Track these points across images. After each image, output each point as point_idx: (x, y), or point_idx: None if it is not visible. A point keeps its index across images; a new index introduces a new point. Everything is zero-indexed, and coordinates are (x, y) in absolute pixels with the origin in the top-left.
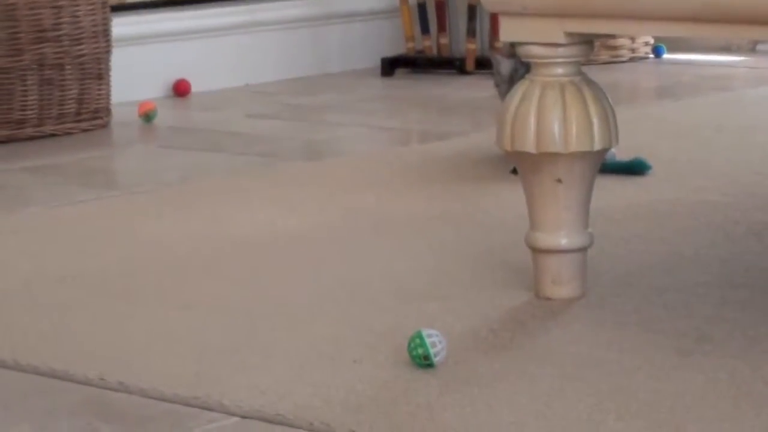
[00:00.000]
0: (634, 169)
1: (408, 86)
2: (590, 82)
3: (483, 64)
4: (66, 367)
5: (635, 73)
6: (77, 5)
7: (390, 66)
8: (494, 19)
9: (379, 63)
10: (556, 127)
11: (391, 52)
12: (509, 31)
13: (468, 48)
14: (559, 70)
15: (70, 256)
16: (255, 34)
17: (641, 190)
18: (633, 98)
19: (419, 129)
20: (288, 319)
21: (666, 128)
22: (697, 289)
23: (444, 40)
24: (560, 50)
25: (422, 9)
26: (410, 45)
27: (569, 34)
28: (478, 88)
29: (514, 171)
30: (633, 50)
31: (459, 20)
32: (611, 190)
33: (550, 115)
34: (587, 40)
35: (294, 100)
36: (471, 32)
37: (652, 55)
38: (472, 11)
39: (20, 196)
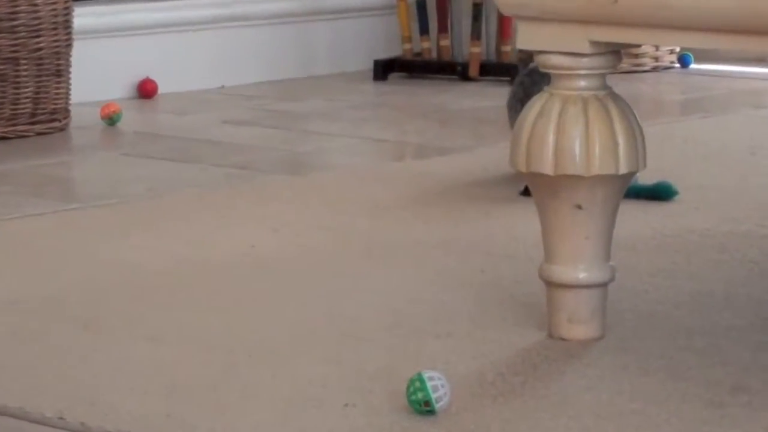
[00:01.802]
0: (659, 194)
1: (404, 93)
2: (616, 98)
3: (489, 70)
4: (21, 404)
5: (659, 84)
6: None
7: (384, 70)
8: (503, 19)
9: (371, 66)
10: (577, 147)
11: (385, 54)
12: (526, 37)
13: (472, 52)
14: (582, 83)
15: (23, 278)
16: (232, 30)
17: (667, 218)
18: (656, 113)
19: (416, 142)
20: (270, 355)
21: (694, 149)
22: (730, 332)
23: (445, 42)
24: (584, 61)
25: (421, 7)
26: (407, 46)
27: (594, 43)
28: (482, 97)
29: (526, 192)
30: (656, 59)
31: (462, 20)
32: (633, 217)
33: (570, 134)
34: (614, 50)
35: (276, 105)
36: (476, 34)
37: (677, 65)
38: (477, 10)
39: None
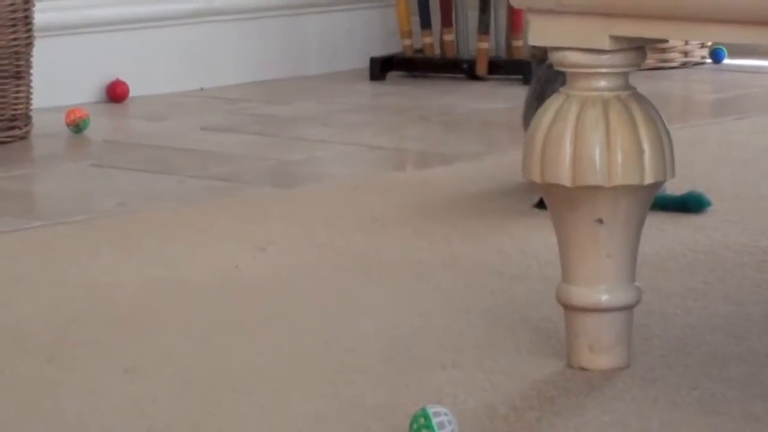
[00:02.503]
0: (690, 205)
1: (404, 94)
2: (641, 99)
3: (498, 68)
4: None
5: (689, 82)
6: None
7: (381, 68)
8: (513, 11)
9: (367, 64)
10: (597, 155)
11: (383, 50)
12: (540, 32)
13: (479, 47)
14: (602, 83)
15: None
16: (211, 26)
17: (698, 233)
18: (686, 115)
19: (417, 149)
20: (258, 388)
21: (728, 154)
22: None
23: (449, 37)
24: (604, 58)
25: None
26: (407, 42)
27: (616, 39)
28: (491, 98)
29: (540, 204)
30: (686, 53)
31: (468, 12)
32: (662, 231)
33: (589, 140)
34: (638, 46)
35: (261, 109)
36: (483, 27)
37: (709, 60)
38: (485, 2)
39: None
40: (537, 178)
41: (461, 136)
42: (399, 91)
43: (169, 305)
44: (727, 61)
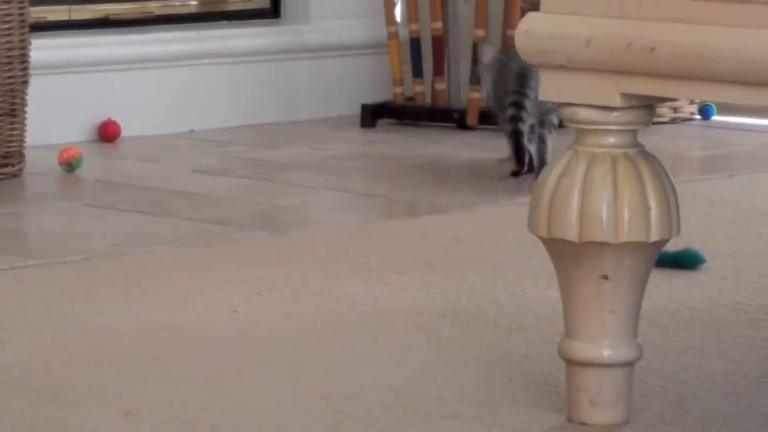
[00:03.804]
0: (685, 262)
1: (394, 141)
2: (648, 156)
3: (489, 118)
4: None
5: (678, 137)
6: None
7: (372, 115)
8: None
9: (358, 111)
10: (604, 211)
11: (374, 97)
12: (551, 87)
13: (471, 97)
14: (611, 140)
15: None
16: (203, 68)
17: (694, 290)
18: (676, 170)
19: (409, 198)
20: None
21: (720, 211)
22: (767, 420)
23: (441, 86)
24: (614, 115)
25: (416, 46)
26: (398, 90)
27: (626, 96)
28: (482, 148)
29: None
30: (675, 109)
31: (460, 62)
32: (657, 287)
33: (597, 196)
34: (647, 105)
35: (252, 153)
36: (475, 78)
37: (698, 116)
38: (476, 53)
39: None
40: (543, 233)
41: (452, 185)
42: (389, 139)
43: (166, 349)
44: (715, 117)
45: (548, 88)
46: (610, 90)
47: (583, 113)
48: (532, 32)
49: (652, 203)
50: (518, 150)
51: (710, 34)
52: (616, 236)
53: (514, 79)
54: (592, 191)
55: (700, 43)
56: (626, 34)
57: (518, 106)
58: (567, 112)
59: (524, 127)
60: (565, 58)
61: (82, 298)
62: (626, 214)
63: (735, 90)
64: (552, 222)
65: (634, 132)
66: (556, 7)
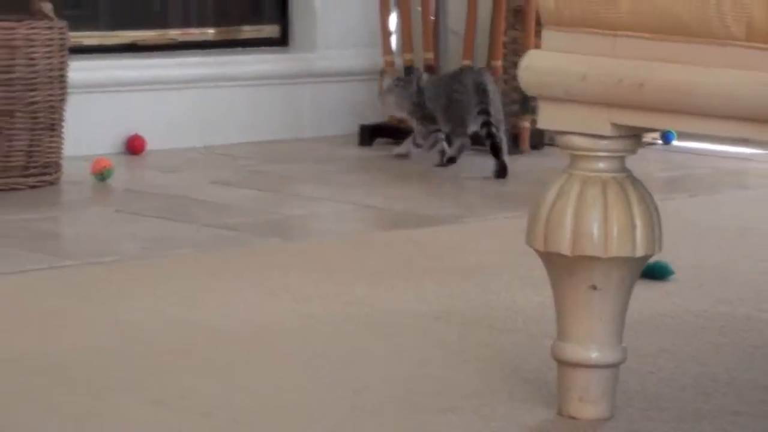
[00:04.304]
0: (656, 274)
1: (389, 159)
2: (635, 180)
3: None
4: None
5: (641, 161)
6: (33, 46)
7: (369, 135)
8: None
9: (357, 130)
10: (595, 229)
11: (371, 119)
12: (548, 117)
13: None
14: (602, 165)
15: (21, 335)
16: (219, 90)
17: (665, 299)
18: None
19: (405, 210)
20: (276, 426)
21: (684, 228)
22: (735, 418)
23: None
24: (604, 143)
25: (409, 73)
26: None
27: (616, 126)
28: (469, 167)
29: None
30: None
31: None
32: (633, 297)
33: (589, 215)
34: (635, 134)
35: (262, 166)
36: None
37: (660, 141)
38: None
39: None
40: (540, 247)
41: (441, 200)
42: (384, 157)
43: (190, 344)
44: (675, 142)
45: (546, 118)
46: (602, 121)
47: (577, 141)
48: (533, 67)
49: (638, 222)
50: (494, 148)
51: (694, 73)
52: (606, 251)
53: (475, 92)
54: (585, 211)
55: (684, 80)
56: (618, 71)
57: (486, 113)
58: (563, 139)
59: (495, 130)
60: (562, 91)
61: (114, 295)
62: (615, 232)
63: (715, 123)
64: (548, 237)
65: (623, 158)
66: (556, 45)
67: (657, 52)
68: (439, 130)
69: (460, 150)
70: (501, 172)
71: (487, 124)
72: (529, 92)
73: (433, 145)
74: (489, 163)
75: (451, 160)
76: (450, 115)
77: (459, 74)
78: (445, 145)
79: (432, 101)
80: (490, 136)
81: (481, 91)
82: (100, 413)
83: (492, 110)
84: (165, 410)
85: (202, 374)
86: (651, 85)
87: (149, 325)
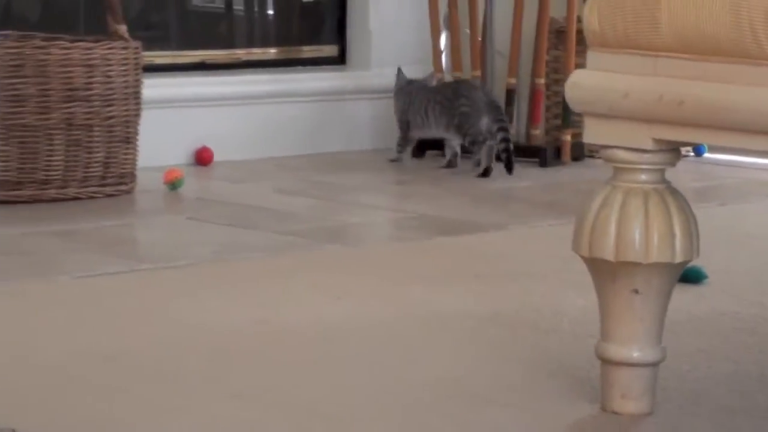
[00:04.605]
0: (690, 278)
1: (439, 170)
2: (674, 191)
3: (519, 152)
4: None
5: (674, 171)
6: (110, 65)
7: (420, 148)
8: (533, 105)
9: None
10: (637, 236)
11: None
12: (593, 132)
13: None
14: (643, 177)
15: (106, 334)
16: (281, 105)
17: (700, 301)
18: None
19: (455, 218)
20: (347, 418)
21: (716, 235)
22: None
23: None
24: (646, 156)
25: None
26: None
27: (657, 141)
28: (514, 177)
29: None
30: None
31: None
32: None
33: (631, 224)
34: (674, 148)
35: (322, 177)
36: (508, 118)
37: (692, 153)
38: (510, 96)
39: (47, 263)
40: (585, 253)
41: (489, 208)
42: (435, 168)
43: (262, 342)
44: (707, 155)
45: (591, 133)
46: (644, 136)
47: (621, 154)
48: (579, 85)
49: (677, 231)
50: (509, 162)
51: (730, 91)
52: (647, 257)
53: (488, 108)
54: (627, 220)
55: (721, 98)
56: (658, 89)
57: (506, 130)
58: (607, 153)
59: (511, 147)
60: (606, 107)
61: (188, 297)
62: (655, 239)
63: (749, 138)
64: (593, 244)
65: (663, 171)
66: (600, 65)
67: (695, 71)
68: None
69: (491, 158)
70: (486, 172)
71: (505, 140)
72: (576, 109)
73: (399, 152)
74: (536, 171)
75: (488, 171)
76: (463, 129)
77: (456, 87)
78: (402, 156)
79: (415, 109)
80: (507, 151)
81: (495, 108)
82: (182, 409)
83: (508, 127)
84: (245, 404)
85: (277, 371)
86: (690, 102)
87: (222, 325)
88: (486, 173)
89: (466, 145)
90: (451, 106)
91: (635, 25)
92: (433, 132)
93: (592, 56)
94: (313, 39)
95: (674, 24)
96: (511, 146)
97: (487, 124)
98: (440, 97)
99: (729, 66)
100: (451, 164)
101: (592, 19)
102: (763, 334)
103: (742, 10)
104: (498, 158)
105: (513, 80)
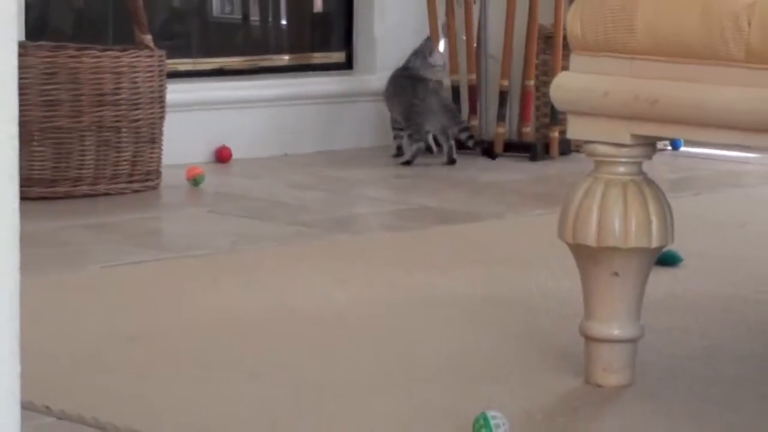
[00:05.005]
0: (667, 261)
1: (439, 165)
2: (650, 182)
3: (511, 148)
4: (148, 429)
5: (653, 164)
6: (136, 72)
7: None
8: (524, 104)
9: None
10: (616, 223)
11: None
12: (577, 129)
13: (498, 131)
14: (622, 169)
15: (135, 318)
16: (294, 107)
17: (675, 283)
18: None
19: (453, 208)
20: (352, 393)
21: (690, 222)
22: (740, 382)
23: (475, 123)
24: (625, 150)
25: (456, 92)
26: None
27: (635, 136)
28: (506, 171)
29: (407, 162)
30: None
31: (490, 105)
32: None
33: (611, 212)
34: (650, 142)
35: (331, 172)
36: (501, 117)
37: (669, 147)
38: (503, 97)
39: (80, 254)
40: (570, 240)
41: (485, 199)
42: (435, 163)
43: (277, 325)
44: (683, 148)
45: (575, 129)
46: (622, 131)
47: (601, 149)
48: (563, 86)
49: (653, 218)
50: (486, 150)
51: (700, 90)
52: (626, 243)
53: (445, 111)
54: (608, 208)
55: (692, 96)
56: (634, 89)
57: (467, 129)
58: (589, 147)
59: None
60: (588, 106)
61: (209, 284)
62: (633, 226)
63: (719, 132)
64: (576, 231)
65: (640, 163)
66: (582, 67)
67: (668, 72)
68: (400, 129)
69: (415, 155)
70: (408, 163)
71: (471, 137)
72: (560, 108)
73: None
74: (527, 165)
75: (407, 163)
76: (410, 121)
77: (417, 83)
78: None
79: (389, 99)
80: (480, 143)
81: (450, 111)
82: (207, 384)
83: (467, 126)
84: (260, 382)
85: (290, 351)
86: (663, 100)
87: (240, 309)
88: (408, 163)
89: (397, 135)
90: (409, 100)
91: (613, 31)
92: (396, 116)
93: (575, 59)
94: (323, 46)
95: (649, 29)
96: (473, 138)
97: (434, 126)
98: (406, 88)
99: (699, 67)
100: (451, 161)
101: (575, 26)
102: (735, 312)
103: (711, 16)
104: (484, 151)
105: (506, 82)
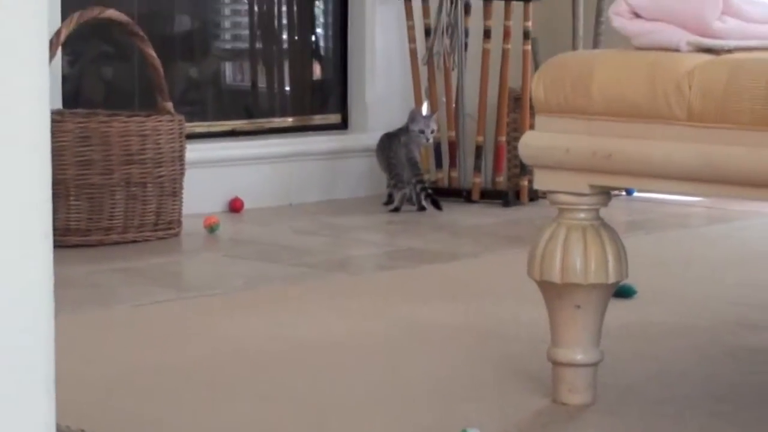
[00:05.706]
0: (623, 293)
1: (424, 212)
2: (606, 226)
3: (486, 195)
4: None
5: (609, 208)
6: (159, 134)
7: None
8: (497, 157)
9: None
10: (578, 263)
11: None
12: (542, 180)
13: (474, 181)
14: (582, 215)
15: (161, 350)
16: (298, 163)
17: (631, 312)
18: None
19: (436, 249)
20: (351, 411)
21: (643, 260)
22: (689, 401)
23: (454, 174)
24: (584, 199)
25: (437, 147)
26: (426, 176)
27: (592, 186)
28: (483, 215)
29: (395, 210)
30: None
31: (468, 158)
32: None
33: (573, 253)
34: (606, 191)
35: (331, 219)
36: (477, 168)
37: (623, 193)
38: (479, 150)
39: (111, 294)
40: (537, 277)
41: (464, 240)
42: (414, 212)
43: (287, 354)
44: (636, 194)
45: (540, 181)
46: (582, 183)
47: (563, 198)
48: (529, 144)
49: (610, 257)
50: (435, 202)
51: (649, 146)
52: (586, 279)
53: (408, 164)
54: (570, 249)
55: (642, 151)
56: (592, 146)
57: (423, 182)
58: (552, 197)
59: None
60: (552, 161)
61: (225, 319)
62: (593, 265)
63: (665, 183)
64: (543, 270)
65: (597, 210)
66: (546, 127)
67: (621, 130)
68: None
69: (401, 201)
70: (438, 205)
71: (424, 189)
72: (527, 162)
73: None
74: (501, 211)
75: (396, 210)
76: (391, 173)
77: (393, 139)
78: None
79: (377, 156)
80: (429, 196)
81: (413, 165)
82: (222, 407)
83: (423, 179)
84: (271, 404)
85: (297, 376)
86: (617, 155)
87: (252, 340)
88: (396, 210)
89: (389, 186)
90: (386, 154)
91: (573, 95)
92: (383, 170)
93: (539, 120)
94: (321, 109)
95: (603, 93)
96: (429, 190)
97: (407, 176)
98: (385, 144)
99: (647, 125)
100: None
101: (538, 91)
102: (683, 338)
103: (657, 82)
104: (432, 202)
105: (481, 138)
